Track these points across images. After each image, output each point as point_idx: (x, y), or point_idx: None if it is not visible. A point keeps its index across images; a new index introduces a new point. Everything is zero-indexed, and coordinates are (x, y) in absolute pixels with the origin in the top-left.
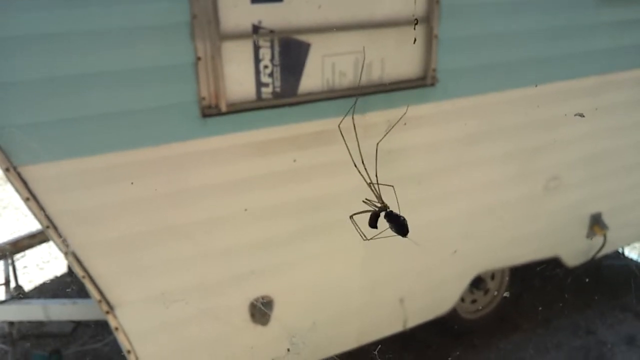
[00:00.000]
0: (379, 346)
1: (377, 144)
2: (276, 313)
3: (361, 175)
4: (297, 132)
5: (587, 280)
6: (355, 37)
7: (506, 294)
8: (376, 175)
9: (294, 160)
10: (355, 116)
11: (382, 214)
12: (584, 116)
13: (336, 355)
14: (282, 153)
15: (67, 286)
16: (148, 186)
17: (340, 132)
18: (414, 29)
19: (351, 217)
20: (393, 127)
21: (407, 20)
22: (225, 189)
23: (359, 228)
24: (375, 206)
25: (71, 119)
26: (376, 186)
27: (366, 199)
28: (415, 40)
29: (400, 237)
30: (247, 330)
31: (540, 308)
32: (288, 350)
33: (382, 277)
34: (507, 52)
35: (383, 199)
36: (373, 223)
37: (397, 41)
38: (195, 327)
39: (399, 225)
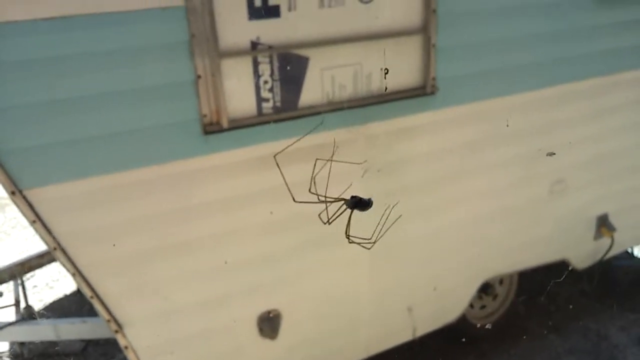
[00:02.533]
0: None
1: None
2: (284, 326)
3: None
4: (299, 145)
5: (596, 282)
6: (353, 49)
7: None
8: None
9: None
10: (356, 127)
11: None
12: (554, 154)
13: None
14: (285, 167)
15: (78, 304)
16: (152, 204)
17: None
18: (385, 77)
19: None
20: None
21: (406, 31)
22: (230, 205)
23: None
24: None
25: (74, 140)
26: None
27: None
28: (386, 88)
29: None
30: (255, 344)
31: (550, 312)
32: None
33: (389, 286)
34: (506, 57)
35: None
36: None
37: (396, 51)
38: (204, 343)
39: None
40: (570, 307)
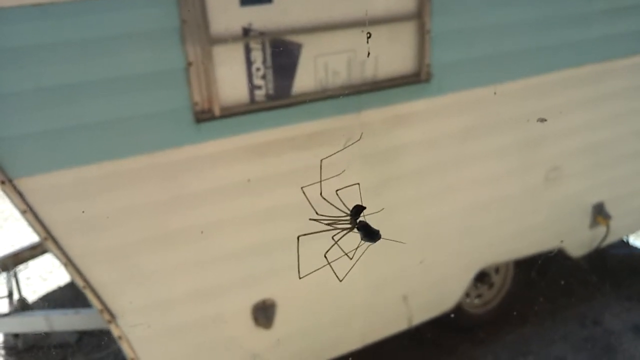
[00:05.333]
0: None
1: (321, 160)
2: (279, 315)
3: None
4: (292, 133)
5: (592, 270)
6: (347, 35)
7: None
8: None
9: (289, 162)
10: (350, 115)
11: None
12: (545, 120)
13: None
14: (278, 155)
15: (72, 296)
16: (144, 193)
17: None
18: (367, 42)
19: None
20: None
21: (400, 17)
22: (222, 193)
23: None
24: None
25: (64, 128)
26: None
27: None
28: (369, 54)
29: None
30: (250, 334)
31: (546, 299)
32: None
33: (384, 275)
34: (501, 44)
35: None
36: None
37: (390, 38)
38: (198, 333)
39: (371, 234)
40: (566, 295)
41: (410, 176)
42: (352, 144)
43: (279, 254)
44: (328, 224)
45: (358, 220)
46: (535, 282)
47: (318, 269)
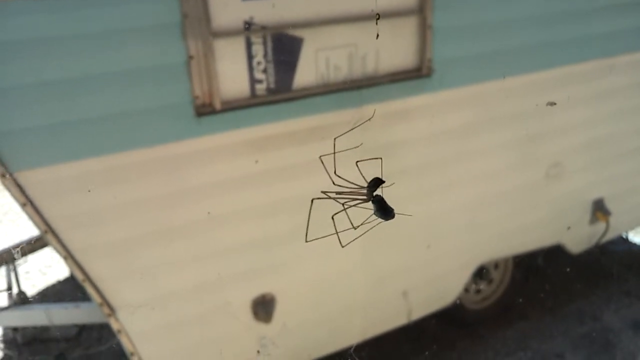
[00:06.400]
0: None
1: (334, 139)
2: (278, 310)
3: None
4: (293, 128)
5: (591, 266)
6: (348, 30)
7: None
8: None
9: (290, 157)
10: (351, 110)
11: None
12: (555, 104)
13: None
14: (279, 150)
15: (71, 290)
16: (145, 187)
17: None
18: (376, 23)
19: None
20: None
21: (402, 11)
22: (223, 188)
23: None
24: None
25: (65, 122)
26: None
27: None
28: (377, 35)
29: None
30: (250, 328)
31: (545, 296)
32: None
33: (384, 270)
34: (502, 39)
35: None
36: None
37: (392, 32)
38: (198, 327)
39: (385, 211)
40: (566, 291)
41: (410, 171)
42: (363, 123)
43: (278, 248)
44: (341, 193)
45: (374, 194)
46: (534, 278)
47: (325, 236)
